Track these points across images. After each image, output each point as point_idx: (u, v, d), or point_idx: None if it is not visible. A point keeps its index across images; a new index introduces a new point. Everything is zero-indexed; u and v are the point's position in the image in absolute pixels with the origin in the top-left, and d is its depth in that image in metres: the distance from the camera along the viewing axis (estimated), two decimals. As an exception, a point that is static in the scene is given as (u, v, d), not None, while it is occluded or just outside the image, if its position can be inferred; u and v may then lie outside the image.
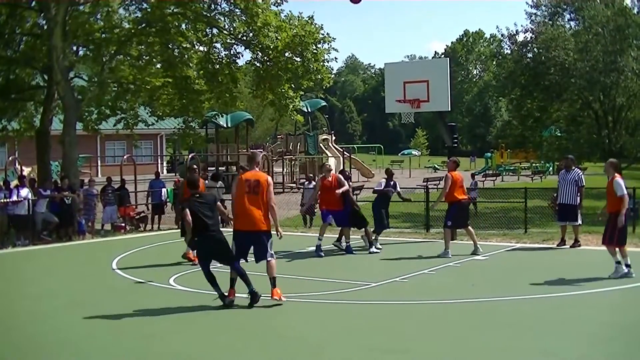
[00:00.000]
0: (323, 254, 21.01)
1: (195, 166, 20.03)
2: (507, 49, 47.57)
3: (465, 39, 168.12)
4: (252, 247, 14.25)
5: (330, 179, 21.78)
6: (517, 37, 43.94)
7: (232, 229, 14.39)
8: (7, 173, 42.61)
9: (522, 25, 48.31)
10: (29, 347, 11.71)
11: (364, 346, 11.29)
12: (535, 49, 42.26)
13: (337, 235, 22.51)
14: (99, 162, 69.07)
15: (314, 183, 32.88)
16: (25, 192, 27.03)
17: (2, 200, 26.74)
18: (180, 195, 22.42)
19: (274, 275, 14.19)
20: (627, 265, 16.78)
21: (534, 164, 70.67)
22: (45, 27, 31.84)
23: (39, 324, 13.16)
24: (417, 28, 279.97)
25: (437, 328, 12.46)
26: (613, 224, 16.75)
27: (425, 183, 40.38)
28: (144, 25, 32.73)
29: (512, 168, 74.42)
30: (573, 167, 22.15)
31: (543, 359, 10.54)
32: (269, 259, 14.16)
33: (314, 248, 21.36)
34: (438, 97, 24.66)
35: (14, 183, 29.02)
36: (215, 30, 33.67)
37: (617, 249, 16.83)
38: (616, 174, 17.13)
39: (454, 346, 11.24)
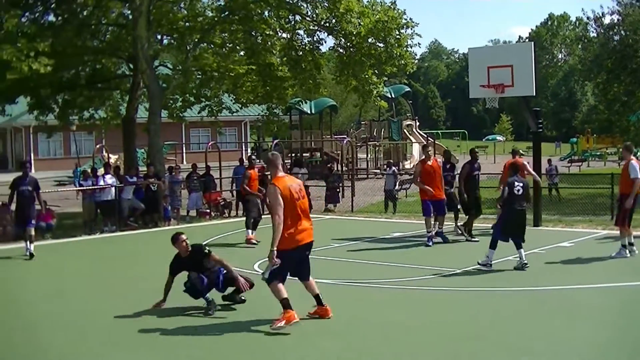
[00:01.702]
0: (431, 244, 20.26)
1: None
2: (593, 32, 46.81)
3: (549, 23, 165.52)
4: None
5: (431, 162, 20.84)
6: (603, 19, 43.13)
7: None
8: (95, 160, 43.36)
9: (608, 8, 47.31)
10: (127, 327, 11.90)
11: (445, 334, 11.24)
12: (622, 32, 41.44)
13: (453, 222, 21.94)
14: (184, 149, 69.94)
15: (394, 168, 32.81)
16: (109, 178, 27.55)
17: (89, 187, 27.35)
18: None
19: (279, 298, 12.04)
20: (624, 245, 17.44)
21: (620, 150, 69.30)
22: (130, 17, 32.15)
23: (130, 307, 13.35)
24: (501, 12, 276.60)
25: (516, 316, 12.36)
26: (621, 204, 17.51)
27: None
28: (226, 13, 32.86)
29: (598, 153, 73.08)
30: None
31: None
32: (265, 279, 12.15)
33: (426, 239, 20.43)
34: (522, 82, 24.32)
35: (100, 171, 29.51)
36: (297, 17, 33.66)
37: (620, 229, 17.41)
38: (632, 157, 17.52)
39: (531, 335, 11.11)
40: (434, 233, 20.65)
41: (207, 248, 13.70)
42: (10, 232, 23.60)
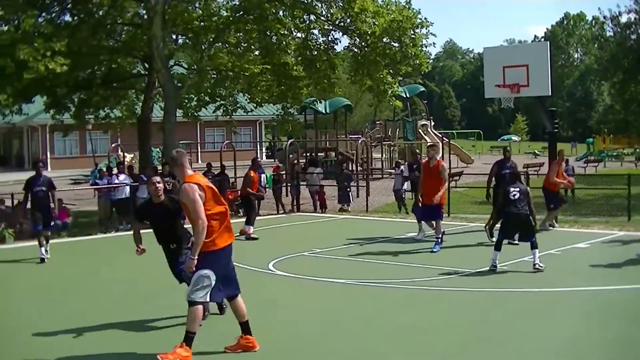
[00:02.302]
0: (438, 249, 19.36)
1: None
2: (609, 31, 46.67)
3: (565, 22, 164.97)
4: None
5: (434, 163, 20.11)
6: (620, 18, 42.94)
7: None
8: (110, 159, 43.49)
9: (625, 6, 47.18)
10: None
11: (457, 334, 11.24)
12: (639, 31, 41.21)
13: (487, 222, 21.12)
14: (199, 148, 70.04)
15: (402, 168, 32.70)
16: (123, 177, 27.78)
17: (104, 186, 27.53)
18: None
19: (190, 329, 10.06)
20: None
21: (638, 150, 69.00)
22: (145, 17, 32.29)
23: (139, 305, 13.39)
24: (516, 11, 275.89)
25: (530, 317, 12.27)
26: None
27: (525, 169, 39.86)
28: (241, 13, 32.92)
29: (614, 154, 72.69)
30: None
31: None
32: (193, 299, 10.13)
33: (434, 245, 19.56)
34: (538, 82, 24.28)
35: (115, 170, 29.67)
36: (312, 17, 33.69)
37: None
38: None
39: (544, 336, 11.07)
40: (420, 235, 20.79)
41: None
42: (27, 230, 23.69)
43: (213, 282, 10.00)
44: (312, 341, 11.05)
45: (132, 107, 37.86)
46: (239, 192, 26.41)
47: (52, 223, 20.36)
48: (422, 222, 20.76)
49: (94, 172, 42.69)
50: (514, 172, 18.53)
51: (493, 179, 21.08)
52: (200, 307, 10.00)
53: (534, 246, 16.02)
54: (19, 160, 73.47)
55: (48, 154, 70.19)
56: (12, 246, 22.78)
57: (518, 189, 16.51)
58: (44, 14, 31.37)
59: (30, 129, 71.64)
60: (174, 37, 34.84)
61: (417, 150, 24.03)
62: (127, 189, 27.39)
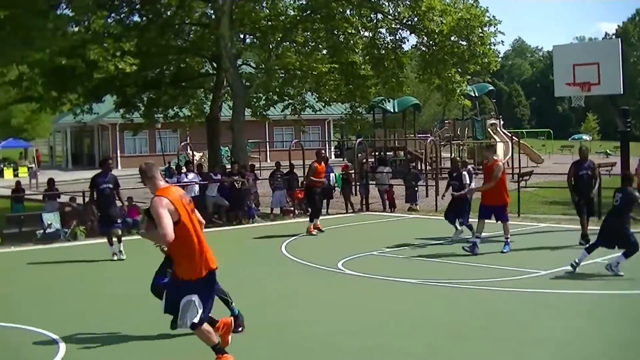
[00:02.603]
0: (507, 250, 18.82)
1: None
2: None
3: (637, 19, 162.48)
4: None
5: (490, 164, 19.51)
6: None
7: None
8: (179, 158, 43.88)
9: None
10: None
11: (516, 337, 11.09)
12: None
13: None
14: (267, 147, 70.25)
15: (469, 167, 32.31)
16: (192, 176, 27.94)
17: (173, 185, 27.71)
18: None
19: (210, 345, 9.67)
20: None
21: None
22: (213, 16, 32.49)
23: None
24: (586, 8, 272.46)
25: (604, 321, 12.05)
26: None
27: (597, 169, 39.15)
28: (308, 12, 32.98)
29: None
30: None
31: None
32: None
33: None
34: (609, 80, 23.83)
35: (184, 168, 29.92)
36: (379, 16, 33.60)
37: None
38: None
39: (616, 340, 10.86)
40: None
41: None
42: (97, 227, 23.94)
43: (199, 300, 9.25)
44: (383, 342, 10.94)
45: (200, 106, 38.14)
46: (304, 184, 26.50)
47: (120, 221, 20.19)
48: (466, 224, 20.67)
49: (166, 170, 43.14)
50: (626, 175, 17.62)
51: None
52: (202, 325, 9.32)
53: (626, 255, 15.34)
54: (89, 158, 74.38)
55: (118, 152, 71.00)
56: (83, 243, 23.08)
57: (621, 195, 15.72)
58: (113, 15, 31.78)
59: (100, 127, 72.48)
60: (241, 36, 35.03)
61: (458, 158, 23.70)
62: (197, 187, 27.58)
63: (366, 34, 34.75)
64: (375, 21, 33.92)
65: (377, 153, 50.29)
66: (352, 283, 15.35)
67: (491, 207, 19.10)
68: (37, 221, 25.79)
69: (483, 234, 19.12)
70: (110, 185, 19.41)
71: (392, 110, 54.65)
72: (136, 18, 33.87)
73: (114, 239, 19.37)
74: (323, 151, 24.95)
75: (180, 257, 9.32)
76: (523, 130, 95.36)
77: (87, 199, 25.03)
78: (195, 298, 9.19)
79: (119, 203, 20.57)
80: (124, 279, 16.79)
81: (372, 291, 14.43)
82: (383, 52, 33.98)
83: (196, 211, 9.67)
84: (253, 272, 17.14)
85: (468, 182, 20.87)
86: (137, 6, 33.38)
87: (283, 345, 10.89)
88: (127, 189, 32.06)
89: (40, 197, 32.36)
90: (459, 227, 20.86)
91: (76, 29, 28.62)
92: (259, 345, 10.83)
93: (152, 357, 10.70)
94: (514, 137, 57.09)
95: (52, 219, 25.14)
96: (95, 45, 26.63)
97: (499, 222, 19.27)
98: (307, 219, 23.86)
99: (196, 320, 9.17)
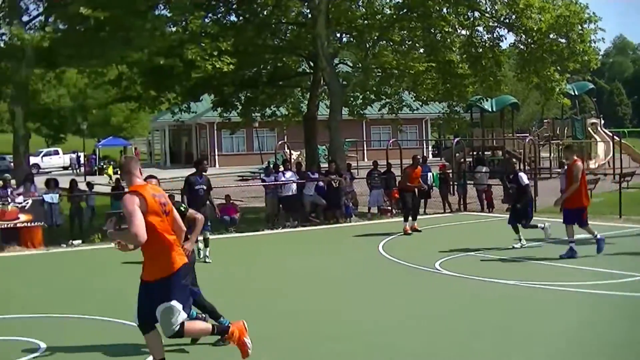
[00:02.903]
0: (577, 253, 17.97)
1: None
2: None
3: None
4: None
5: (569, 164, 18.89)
6: None
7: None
8: (277, 157, 44.21)
9: None
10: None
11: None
12: None
13: None
14: (364, 146, 70.30)
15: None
16: (289, 174, 28.08)
17: (271, 183, 28.00)
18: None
19: (207, 334, 9.63)
20: None
21: None
22: (309, 16, 32.62)
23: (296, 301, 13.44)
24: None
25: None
26: None
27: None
28: (405, 10, 32.83)
29: None
30: None
31: None
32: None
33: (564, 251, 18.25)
34: None
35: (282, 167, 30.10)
36: (477, 14, 33.25)
37: None
38: None
39: None
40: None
41: (183, 205, 11.58)
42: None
43: (179, 306, 8.82)
44: (480, 348, 10.78)
45: (298, 104, 38.31)
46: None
47: (209, 225, 19.34)
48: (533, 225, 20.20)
49: (264, 169, 43.49)
50: None
51: None
52: (186, 323, 8.93)
53: None
54: (187, 156, 75.46)
55: (216, 151, 71.93)
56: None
57: None
58: (210, 15, 32.25)
59: (198, 126, 73.50)
60: (338, 35, 35.04)
61: (514, 160, 22.93)
62: (294, 186, 27.70)
63: (463, 32, 34.45)
64: (472, 19, 33.57)
65: (475, 153, 49.93)
66: (448, 283, 15.20)
67: (573, 210, 18.41)
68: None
69: (580, 236, 18.59)
70: (204, 187, 19.14)
71: (490, 110, 54.23)
72: (233, 18, 34.31)
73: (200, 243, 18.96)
74: (419, 156, 24.88)
75: (147, 258, 8.88)
76: (624, 130, 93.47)
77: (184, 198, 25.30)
78: (173, 303, 8.75)
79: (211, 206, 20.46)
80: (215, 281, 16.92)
81: (468, 292, 14.25)
82: (480, 50, 33.64)
83: (177, 216, 9.35)
84: (350, 271, 17.17)
85: (526, 182, 20.36)
86: (234, 6, 33.79)
87: (381, 346, 10.80)
88: (224, 187, 32.54)
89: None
90: (542, 225, 20.39)
91: (174, 29, 29.01)
92: (357, 345, 10.79)
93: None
94: (615, 137, 56.04)
95: (150, 216, 25.55)
96: (193, 45, 27.01)
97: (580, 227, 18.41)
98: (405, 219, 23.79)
99: (177, 327, 8.84)
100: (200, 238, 18.94)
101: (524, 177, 20.50)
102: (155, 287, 8.79)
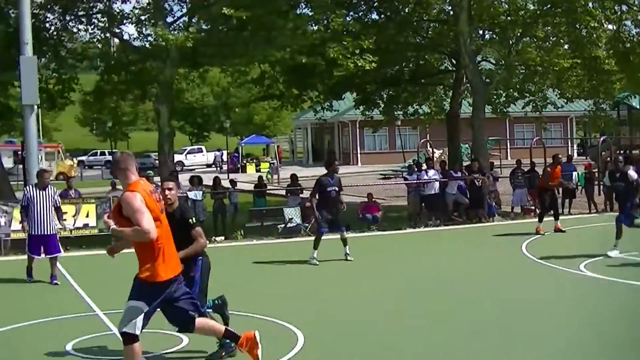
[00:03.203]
0: None
1: None
2: None
3: None
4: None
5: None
6: None
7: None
8: (419, 155, 44.14)
9: None
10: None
11: None
12: None
13: None
14: (508, 144, 69.38)
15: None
16: (432, 173, 27.97)
17: (413, 182, 27.99)
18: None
19: None
20: None
21: None
22: (451, 13, 32.46)
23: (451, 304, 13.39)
24: None
25: None
26: None
27: None
28: (549, 6, 32.27)
29: None
30: None
31: None
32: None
33: None
34: None
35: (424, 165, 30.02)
36: (624, 7, 32.52)
37: None
38: None
39: None
40: None
41: (194, 217, 10.68)
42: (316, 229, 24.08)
43: (147, 313, 8.61)
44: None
45: (440, 102, 38.22)
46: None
47: (343, 226, 19.40)
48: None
49: (408, 167, 43.54)
50: None
51: None
52: (134, 341, 8.55)
53: None
54: (330, 155, 76.00)
55: (358, 149, 72.27)
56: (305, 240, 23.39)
57: None
58: (351, 13, 32.49)
59: (340, 124, 73.89)
60: (480, 32, 34.76)
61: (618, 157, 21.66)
62: (437, 184, 27.58)
63: (610, 26, 33.72)
64: (619, 13, 32.85)
65: (622, 152, 48.73)
66: (592, 286, 14.86)
67: None
68: (279, 215, 26.70)
69: None
70: (336, 188, 18.88)
71: (638, 107, 52.78)
72: (374, 16, 34.54)
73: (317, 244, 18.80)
74: (560, 155, 24.44)
75: (145, 258, 8.60)
76: None
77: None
78: (145, 308, 8.52)
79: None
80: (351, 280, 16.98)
81: (613, 296, 13.88)
82: (628, 45, 32.93)
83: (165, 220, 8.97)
84: (493, 271, 17.02)
85: (636, 177, 19.30)
86: (375, 4, 33.94)
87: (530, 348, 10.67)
88: (367, 185, 32.68)
89: (281, 192, 33.23)
90: None
91: (316, 28, 29.30)
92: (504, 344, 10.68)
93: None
94: None
95: (293, 214, 26.07)
96: (334, 43, 27.25)
97: None
98: (551, 219, 23.34)
99: (132, 331, 8.52)
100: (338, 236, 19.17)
101: (634, 175, 19.26)
102: (136, 283, 8.63)
